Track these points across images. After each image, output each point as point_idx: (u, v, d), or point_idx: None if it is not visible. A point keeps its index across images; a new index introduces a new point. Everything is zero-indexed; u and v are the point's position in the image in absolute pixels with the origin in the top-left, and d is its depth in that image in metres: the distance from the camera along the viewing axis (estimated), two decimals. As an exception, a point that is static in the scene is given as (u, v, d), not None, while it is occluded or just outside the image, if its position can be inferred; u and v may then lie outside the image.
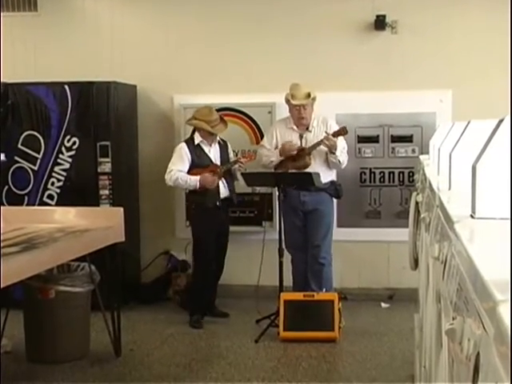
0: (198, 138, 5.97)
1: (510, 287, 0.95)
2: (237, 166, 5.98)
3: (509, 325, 0.84)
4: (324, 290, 5.78)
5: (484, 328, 1.01)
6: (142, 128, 6.93)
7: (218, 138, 6.03)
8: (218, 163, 5.98)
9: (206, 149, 5.98)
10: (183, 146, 5.99)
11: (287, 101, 5.94)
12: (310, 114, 5.95)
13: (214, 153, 6.01)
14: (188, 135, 6.33)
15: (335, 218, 6.26)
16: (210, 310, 6.06)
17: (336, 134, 5.82)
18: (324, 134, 5.82)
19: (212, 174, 5.87)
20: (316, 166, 5.87)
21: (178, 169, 5.89)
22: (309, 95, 5.86)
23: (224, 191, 5.96)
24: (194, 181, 5.86)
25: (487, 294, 1.00)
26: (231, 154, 6.17)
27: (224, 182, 5.96)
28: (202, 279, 5.95)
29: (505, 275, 1.04)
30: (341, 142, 5.91)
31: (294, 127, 6.01)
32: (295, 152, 5.90)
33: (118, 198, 6.31)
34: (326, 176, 5.90)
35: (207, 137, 5.94)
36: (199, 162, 5.93)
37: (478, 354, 1.05)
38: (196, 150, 5.95)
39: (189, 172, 5.90)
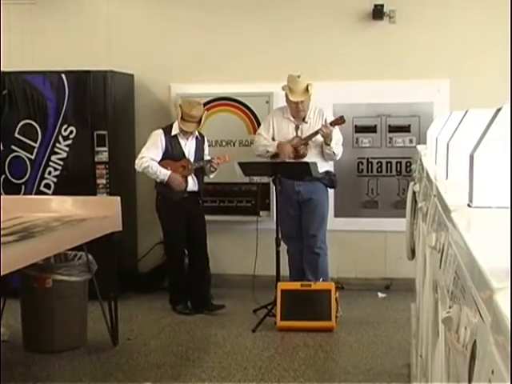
0: (175, 130, 5.86)
1: (510, 276, 0.95)
2: (208, 166, 5.90)
3: (506, 313, 0.84)
4: (321, 279, 5.78)
5: (481, 316, 1.00)
6: (139, 117, 6.91)
7: (196, 133, 5.94)
8: (192, 158, 5.88)
9: (182, 142, 5.88)
10: (160, 133, 5.87)
11: (284, 91, 5.92)
12: (308, 105, 5.94)
13: (189, 147, 5.91)
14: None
15: (332, 208, 6.26)
16: (206, 307, 6.01)
17: (333, 124, 5.82)
18: (320, 125, 5.81)
19: (183, 169, 5.80)
20: (312, 157, 5.87)
21: (151, 157, 5.79)
22: (307, 89, 5.83)
23: (192, 185, 5.89)
24: (164, 175, 5.76)
25: (484, 282, 0.99)
26: (206, 150, 6.08)
27: (194, 176, 5.89)
28: (174, 269, 6.01)
29: (502, 263, 1.03)
30: (336, 134, 5.90)
31: (291, 118, 5.99)
32: (292, 156, 5.88)
33: (115, 188, 6.30)
34: (322, 166, 5.89)
35: (183, 130, 5.84)
36: (172, 154, 5.83)
37: (475, 342, 1.05)
38: (172, 141, 5.85)
39: (160, 162, 5.81)
